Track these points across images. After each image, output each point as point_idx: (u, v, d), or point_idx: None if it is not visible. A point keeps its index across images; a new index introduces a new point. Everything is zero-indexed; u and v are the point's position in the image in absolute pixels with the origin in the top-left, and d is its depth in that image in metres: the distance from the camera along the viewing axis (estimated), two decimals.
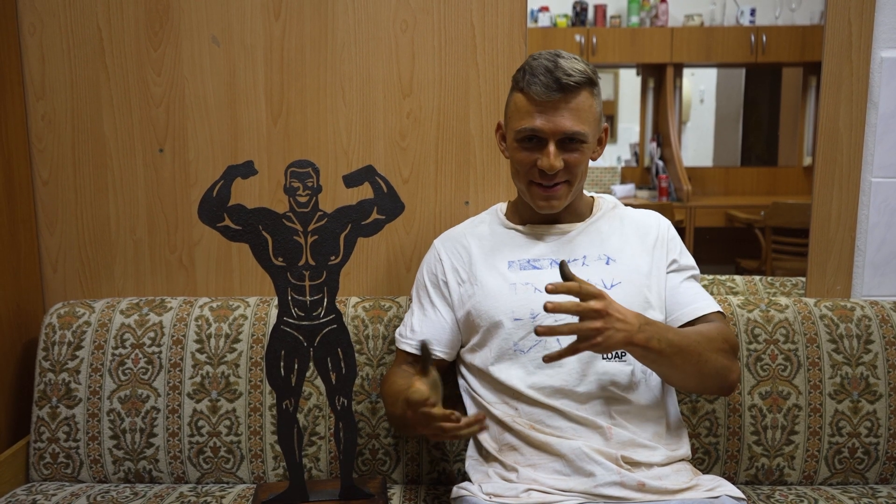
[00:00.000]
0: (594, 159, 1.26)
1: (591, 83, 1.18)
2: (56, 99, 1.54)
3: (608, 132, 1.28)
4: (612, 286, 1.21)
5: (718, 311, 1.23)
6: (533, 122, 1.17)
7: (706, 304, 1.23)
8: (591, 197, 1.35)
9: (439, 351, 1.29)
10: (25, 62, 1.53)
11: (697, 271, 1.29)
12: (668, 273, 1.25)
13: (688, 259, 1.28)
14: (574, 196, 1.25)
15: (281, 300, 1.19)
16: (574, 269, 1.23)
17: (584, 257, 1.25)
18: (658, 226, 1.29)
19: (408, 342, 1.30)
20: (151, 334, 1.45)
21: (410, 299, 1.37)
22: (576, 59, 1.17)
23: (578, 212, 1.30)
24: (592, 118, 1.19)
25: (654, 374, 1.24)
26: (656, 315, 1.21)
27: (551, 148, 1.17)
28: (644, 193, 3.27)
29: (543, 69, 1.16)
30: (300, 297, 1.19)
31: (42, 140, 1.56)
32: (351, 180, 1.20)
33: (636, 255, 1.25)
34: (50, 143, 1.56)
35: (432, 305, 1.30)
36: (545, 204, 1.22)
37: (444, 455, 1.43)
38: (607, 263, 1.24)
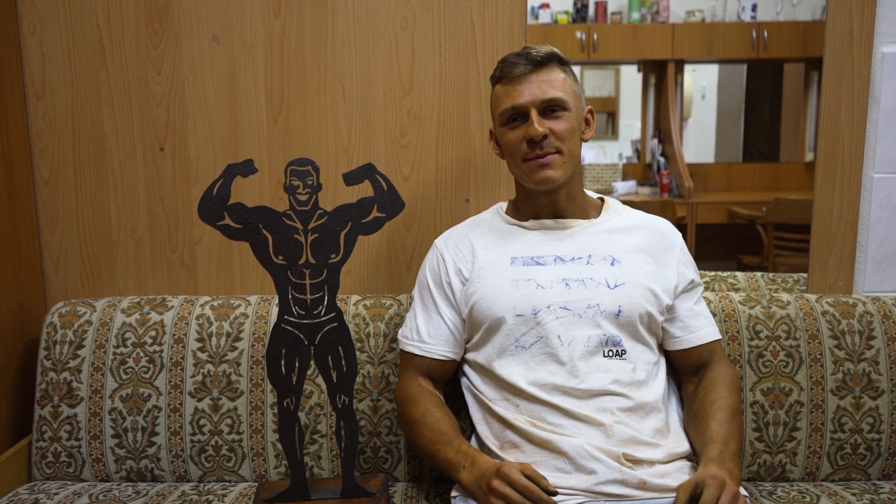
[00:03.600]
0: (585, 140, 1.28)
1: (559, 60, 1.25)
2: (56, 98, 1.54)
3: (594, 114, 1.31)
4: (615, 286, 1.21)
5: (719, 339, 1.31)
6: (511, 100, 1.23)
7: (712, 330, 1.30)
8: (600, 199, 1.35)
9: (447, 352, 1.29)
10: (25, 61, 1.53)
11: (701, 283, 1.33)
12: (684, 292, 1.28)
13: (697, 274, 1.31)
14: (570, 169, 1.24)
15: (281, 299, 1.19)
16: (578, 268, 1.23)
17: (590, 256, 1.25)
18: (672, 236, 1.31)
19: (414, 344, 1.30)
20: (153, 333, 1.45)
21: (412, 298, 1.37)
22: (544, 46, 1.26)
23: (582, 207, 1.30)
24: (568, 89, 1.24)
25: (655, 371, 1.24)
26: (657, 314, 1.22)
27: (533, 116, 1.21)
28: (645, 190, 3.27)
29: (513, 55, 1.24)
30: (301, 296, 1.19)
31: (42, 139, 1.56)
32: (351, 178, 1.19)
33: (643, 259, 1.25)
34: (50, 142, 1.56)
35: (436, 307, 1.30)
36: (542, 176, 1.22)
37: None
38: (612, 264, 1.24)
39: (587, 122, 1.29)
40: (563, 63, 1.25)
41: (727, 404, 1.20)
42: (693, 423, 1.22)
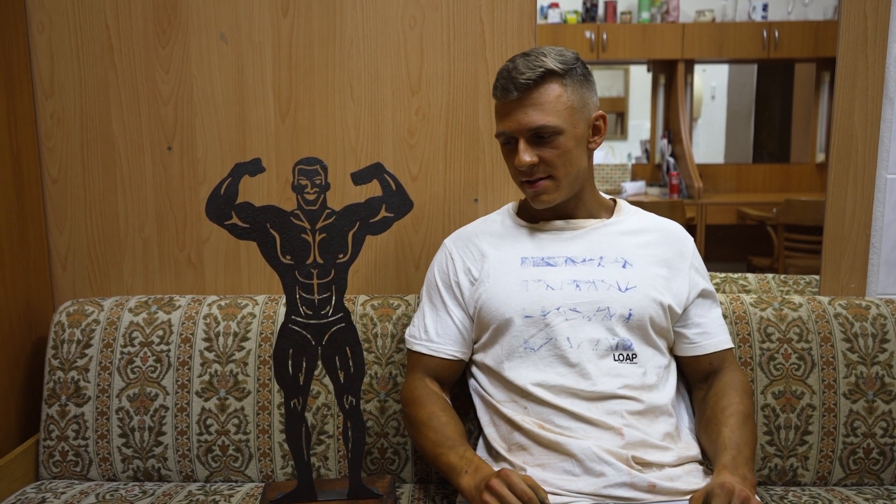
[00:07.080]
0: (592, 149, 1.24)
1: (552, 74, 1.16)
2: (65, 97, 1.55)
3: (606, 119, 1.25)
4: (626, 289, 1.20)
5: (731, 348, 1.29)
6: (502, 126, 1.21)
7: (725, 338, 1.28)
8: (613, 200, 1.34)
9: (455, 351, 1.28)
10: (34, 60, 1.54)
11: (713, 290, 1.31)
12: (699, 298, 1.26)
13: (709, 281, 1.30)
14: (568, 189, 1.22)
15: (289, 298, 1.19)
16: (589, 269, 1.22)
17: (601, 258, 1.23)
18: (685, 241, 1.29)
19: (422, 343, 1.29)
20: (160, 332, 1.45)
21: (420, 298, 1.36)
22: (542, 54, 1.17)
23: (591, 209, 1.29)
24: (561, 108, 1.17)
25: (666, 375, 1.23)
26: (668, 319, 1.21)
27: (521, 145, 1.19)
28: (655, 191, 3.25)
29: (504, 73, 1.18)
30: (308, 296, 1.19)
31: (51, 138, 1.56)
32: (359, 178, 1.19)
33: (655, 263, 1.24)
34: (59, 141, 1.56)
35: (444, 306, 1.29)
36: (535, 199, 1.23)
37: None
38: (623, 267, 1.22)
39: (597, 129, 1.23)
40: (561, 74, 1.16)
41: (739, 410, 1.18)
42: (705, 430, 1.21)
